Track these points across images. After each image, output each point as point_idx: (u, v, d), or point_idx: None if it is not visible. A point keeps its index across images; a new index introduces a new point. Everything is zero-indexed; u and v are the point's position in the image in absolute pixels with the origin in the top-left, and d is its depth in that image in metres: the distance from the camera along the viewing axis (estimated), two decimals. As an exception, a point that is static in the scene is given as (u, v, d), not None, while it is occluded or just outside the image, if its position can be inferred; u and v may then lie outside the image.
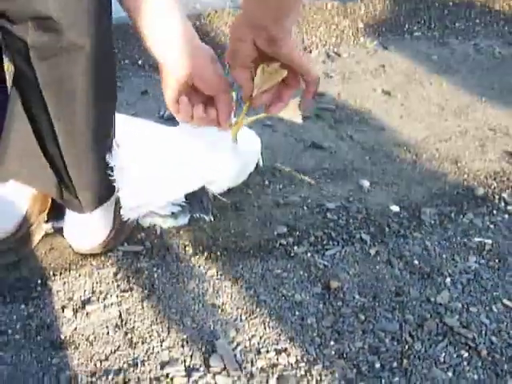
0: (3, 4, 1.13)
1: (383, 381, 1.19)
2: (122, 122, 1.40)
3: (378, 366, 1.22)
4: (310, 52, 2.59)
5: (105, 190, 1.43)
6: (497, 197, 1.72)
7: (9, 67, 1.40)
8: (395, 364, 1.22)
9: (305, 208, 1.65)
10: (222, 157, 1.36)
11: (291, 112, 1.41)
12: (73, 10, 1.16)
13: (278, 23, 1.09)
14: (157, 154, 1.37)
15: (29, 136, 1.37)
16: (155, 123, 1.49)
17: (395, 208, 1.66)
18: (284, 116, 1.34)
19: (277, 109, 1.25)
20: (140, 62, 2.20)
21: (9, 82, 1.38)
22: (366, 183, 1.76)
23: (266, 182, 1.75)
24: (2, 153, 1.39)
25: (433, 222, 1.62)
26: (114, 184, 1.42)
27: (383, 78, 2.39)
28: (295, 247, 1.51)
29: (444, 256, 1.50)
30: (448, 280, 1.43)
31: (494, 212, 1.66)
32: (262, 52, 1.17)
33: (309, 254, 1.49)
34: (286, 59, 1.16)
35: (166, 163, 1.37)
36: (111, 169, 1.37)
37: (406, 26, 2.82)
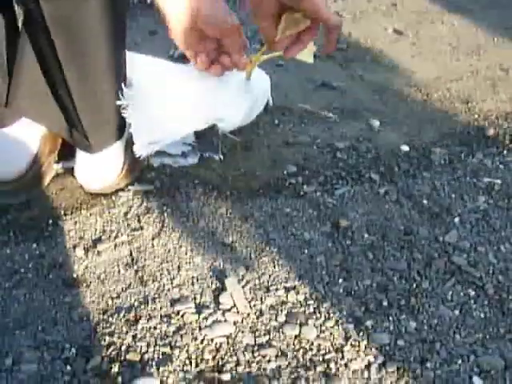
0: None
1: (391, 318, 1.20)
2: (132, 60, 1.39)
3: (385, 303, 1.23)
4: (321, -10, 2.56)
5: (115, 130, 1.42)
6: (507, 137, 1.71)
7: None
8: (403, 302, 1.23)
9: (314, 147, 1.65)
10: (233, 94, 1.35)
11: (306, 54, 1.41)
12: None
13: None
14: (168, 92, 1.36)
15: (38, 76, 1.37)
16: (166, 61, 1.48)
17: (405, 148, 1.66)
18: (298, 57, 1.33)
19: (296, 51, 1.26)
20: (149, 1, 2.19)
21: (19, 23, 1.38)
22: (376, 123, 1.75)
23: (276, 122, 1.75)
24: (15, 89, 1.39)
25: (442, 161, 1.61)
26: (125, 123, 1.42)
27: (395, 17, 2.37)
28: (304, 186, 1.51)
29: (453, 196, 1.50)
30: (457, 219, 1.43)
31: (504, 152, 1.65)
32: (284, 3, 1.17)
33: (318, 193, 1.49)
34: (310, 11, 1.16)
35: (177, 100, 1.36)
36: (122, 108, 1.37)
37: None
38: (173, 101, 1.36)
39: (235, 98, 1.40)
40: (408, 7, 2.44)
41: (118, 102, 1.36)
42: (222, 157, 1.58)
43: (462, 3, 2.47)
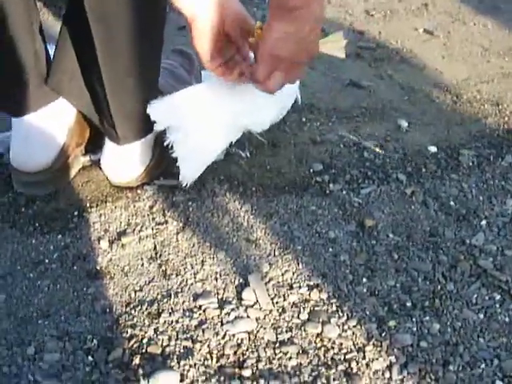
0: None
1: (414, 320, 1.19)
2: (166, 103, 1.38)
3: (409, 304, 1.22)
4: (352, -11, 2.56)
5: (143, 125, 1.42)
6: (537, 140, 1.70)
7: None
8: (427, 303, 1.23)
9: (341, 146, 1.64)
10: (263, 97, 1.35)
11: (337, 48, 1.39)
12: None
13: None
14: (204, 117, 1.36)
15: (75, 59, 1.39)
16: (192, 87, 1.47)
17: (433, 149, 1.65)
18: (326, 51, 1.32)
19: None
20: None
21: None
22: (404, 123, 1.74)
23: (303, 120, 1.75)
24: (54, 70, 1.42)
25: (471, 163, 1.60)
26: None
27: (425, 17, 2.36)
28: (330, 185, 1.50)
29: (481, 198, 1.49)
30: (484, 222, 1.42)
31: (534, 156, 1.64)
32: None
33: (344, 192, 1.48)
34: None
35: (214, 121, 1.36)
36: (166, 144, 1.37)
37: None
38: (211, 123, 1.36)
39: (265, 101, 1.40)
40: (439, 7, 2.42)
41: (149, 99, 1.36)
42: (248, 154, 1.58)
43: (495, 4, 2.44)
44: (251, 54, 1.28)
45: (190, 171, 1.37)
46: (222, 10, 1.21)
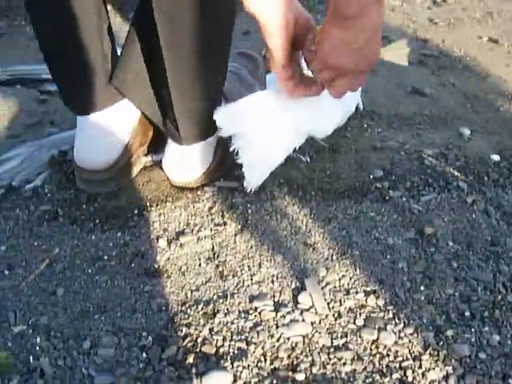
0: None
1: (473, 330, 1.17)
2: (230, 112, 1.38)
3: (467, 314, 1.20)
4: (416, -3, 2.55)
5: (206, 127, 1.43)
6: None
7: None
8: (486, 314, 1.21)
9: (402, 153, 1.63)
10: (326, 103, 1.34)
11: (396, 55, 1.39)
12: None
13: None
14: (269, 123, 1.37)
15: (141, 62, 1.41)
16: (255, 94, 1.47)
17: (495, 157, 1.62)
18: (389, 58, 1.31)
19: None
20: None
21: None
22: (466, 131, 1.72)
23: (365, 126, 1.74)
24: (119, 69, 1.44)
25: (533, 173, 1.58)
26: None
27: (490, 26, 2.33)
28: (390, 191, 1.49)
29: (543, 208, 1.47)
30: (546, 232, 1.40)
31: None
32: None
33: (404, 199, 1.47)
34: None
35: (278, 128, 1.37)
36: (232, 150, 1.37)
37: (516, -29, 2.73)
38: (275, 130, 1.36)
39: (329, 107, 1.39)
40: (504, 16, 2.39)
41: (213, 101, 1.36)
42: (309, 158, 1.58)
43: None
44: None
45: (254, 177, 1.38)
46: (293, 15, 1.21)
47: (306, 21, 1.23)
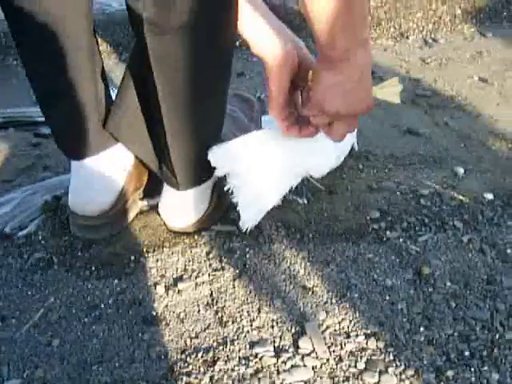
0: None
1: (472, 369, 1.18)
2: (226, 149, 1.40)
3: (467, 353, 1.21)
4: (407, 38, 2.58)
5: (203, 171, 1.43)
6: None
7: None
8: (485, 353, 1.21)
9: (398, 193, 1.64)
10: (322, 143, 1.36)
11: (392, 94, 1.40)
12: None
13: None
14: (265, 161, 1.38)
15: (137, 106, 1.40)
16: (253, 133, 1.49)
17: (489, 196, 1.64)
18: (382, 97, 1.33)
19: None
20: (237, 44, 2.21)
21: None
22: (460, 170, 1.74)
23: (360, 166, 1.75)
24: (114, 114, 1.44)
25: (527, 210, 1.59)
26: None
27: (480, 65, 2.36)
28: (387, 232, 1.50)
29: (538, 246, 1.48)
30: (542, 270, 1.41)
31: None
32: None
33: (401, 240, 1.48)
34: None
35: (274, 167, 1.38)
36: (227, 190, 1.39)
37: (504, 12, 2.78)
38: (270, 169, 1.37)
39: (325, 148, 1.41)
40: (493, 56, 2.42)
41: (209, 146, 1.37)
42: (306, 200, 1.59)
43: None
44: None
45: (250, 216, 1.39)
46: (296, 55, 1.23)
47: (309, 64, 1.26)
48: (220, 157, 1.35)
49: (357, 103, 1.18)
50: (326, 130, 1.28)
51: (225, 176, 1.36)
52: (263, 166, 1.37)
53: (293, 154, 1.38)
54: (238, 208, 1.36)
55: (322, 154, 1.43)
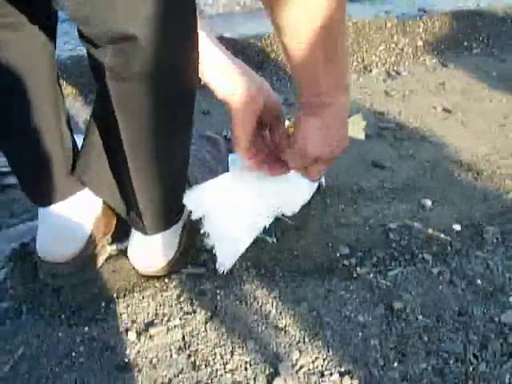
0: (89, 28, 1.14)
1: (448, 403, 1.19)
2: (196, 194, 1.40)
3: (442, 387, 1.22)
4: (370, 71, 2.60)
5: (171, 215, 1.44)
6: (560, 215, 1.70)
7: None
8: (460, 386, 1.22)
9: (367, 228, 1.65)
10: (294, 181, 1.37)
11: (356, 130, 1.41)
12: (156, 34, 1.13)
13: None
14: (238, 203, 1.38)
15: (102, 151, 1.40)
16: (223, 175, 1.49)
17: (457, 227, 1.65)
18: (349, 134, 1.34)
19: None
20: (202, 82, 2.20)
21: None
22: (428, 202, 1.75)
23: (328, 202, 1.76)
24: (81, 160, 1.44)
25: (495, 240, 1.60)
26: (182, 209, 1.44)
27: (443, 96, 2.39)
28: (358, 268, 1.51)
29: (507, 275, 1.49)
30: (512, 299, 1.42)
31: (559, 229, 1.64)
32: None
33: (371, 275, 1.49)
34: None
35: (243, 205, 1.38)
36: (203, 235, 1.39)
37: (465, 43, 2.81)
38: (244, 210, 1.38)
39: (297, 185, 1.42)
40: (455, 86, 2.45)
41: (176, 189, 1.37)
42: (275, 239, 1.59)
43: (509, 80, 2.48)
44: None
45: (226, 258, 1.39)
46: (260, 97, 1.24)
47: (274, 103, 1.27)
48: (194, 200, 1.35)
49: (337, 145, 1.19)
50: (303, 171, 1.28)
51: (200, 219, 1.36)
52: (238, 206, 1.37)
53: (266, 194, 1.38)
54: (214, 251, 1.36)
55: (295, 192, 1.43)
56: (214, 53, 1.26)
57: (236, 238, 1.39)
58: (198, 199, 1.35)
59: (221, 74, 1.25)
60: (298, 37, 1.05)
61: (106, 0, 1.07)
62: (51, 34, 1.33)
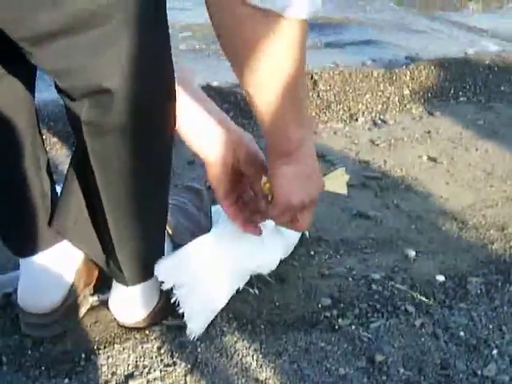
0: (65, 81, 1.14)
1: None
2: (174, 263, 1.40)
3: None
4: (357, 120, 2.62)
5: (152, 266, 1.42)
6: (545, 264, 1.70)
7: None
8: None
9: (350, 279, 1.64)
10: (270, 241, 1.37)
11: (338, 185, 1.42)
12: (132, 87, 1.14)
13: None
14: (207, 266, 1.39)
15: (81, 203, 1.39)
16: (200, 238, 1.49)
17: (441, 278, 1.65)
18: (329, 188, 1.34)
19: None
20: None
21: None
22: (411, 252, 1.75)
23: (312, 253, 1.75)
24: (59, 211, 1.42)
25: (479, 291, 1.60)
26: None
27: (429, 145, 2.40)
28: (339, 320, 1.50)
29: (490, 327, 1.48)
30: (495, 352, 1.41)
31: (544, 279, 1.64)
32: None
33: (353, 327, 1.48)
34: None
35: (218, 270, 1.39)
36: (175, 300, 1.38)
37: (452, 91, 2.84)
38: (218, 274, 1.38)
39: (274, 242, 1.42)
40: (442, 134, 2.47)
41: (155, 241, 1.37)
42: (256, 291, 1.58)
43: (494, 129, 2.50)
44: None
45: (197, 325, 1.39)
46: (235, 148, 1.24)
47: (255, 155, 1.27)
48: (165, 270, 1.35)
49: (314, 187, 1.20)
50: (291, 225, 1.28)
51: (171, 288, 1.36)
52: (211, 272, 1.37)
53: (240, 256, 1.39)
54: (184, 319, 1.36)
55: (270, 251, 1.43)
56: (189, 106, 1.26)
57: (208, 304, 1.40)
58: (169, 269, 1.35)
59: (193, 129, 1.26)
60: (267, 89, 1.05)
61: (82, 54, 1.08)
62: (30, 83, 1.34)
